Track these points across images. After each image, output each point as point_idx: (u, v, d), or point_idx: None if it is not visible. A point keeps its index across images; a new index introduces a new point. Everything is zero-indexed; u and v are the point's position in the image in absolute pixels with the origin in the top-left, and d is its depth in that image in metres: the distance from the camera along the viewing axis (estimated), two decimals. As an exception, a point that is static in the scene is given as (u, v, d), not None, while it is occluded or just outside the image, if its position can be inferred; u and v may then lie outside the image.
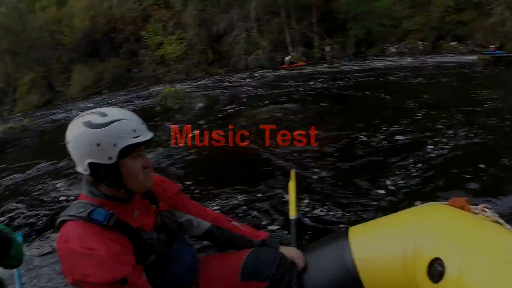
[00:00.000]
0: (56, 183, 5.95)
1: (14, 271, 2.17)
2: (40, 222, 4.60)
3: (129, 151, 1.23)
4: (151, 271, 1.33)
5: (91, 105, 15.25)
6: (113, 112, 1.25)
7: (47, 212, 4.84)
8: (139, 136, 1.24)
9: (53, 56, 23.03)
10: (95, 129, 1.20)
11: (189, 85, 14.15)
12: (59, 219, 1.30)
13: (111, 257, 1.18)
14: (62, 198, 5.30)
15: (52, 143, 10.11)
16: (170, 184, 1.59)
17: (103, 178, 1.26)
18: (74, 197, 5.05)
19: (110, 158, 1.22)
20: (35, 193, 5.79)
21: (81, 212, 1.24)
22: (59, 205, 5.02)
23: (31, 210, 5.10)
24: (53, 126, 13.07)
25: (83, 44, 21.90)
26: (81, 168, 1.27)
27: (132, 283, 1.20)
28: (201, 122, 7.94)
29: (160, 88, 13.59)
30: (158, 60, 21.35)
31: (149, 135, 1.27)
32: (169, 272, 1.41)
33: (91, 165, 1.23)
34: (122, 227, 1.27)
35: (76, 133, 1.23)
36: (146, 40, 21.57)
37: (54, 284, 3.39)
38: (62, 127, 12.36)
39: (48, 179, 6.35)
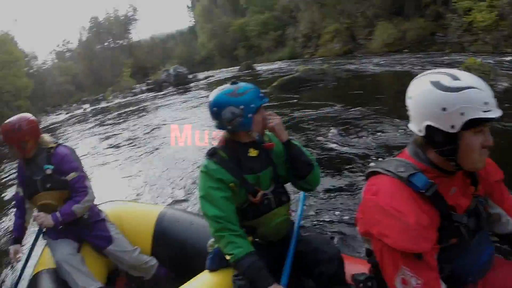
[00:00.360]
0: (339, 129, 6.47)
1: (300, 193, 2.36)
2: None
3: (474, 124, 1.12)
4: (444, 255, 1.23)
5: (390, 61, 15.22)
6: (466, 78, 1.14)
7: (326, 155, 5.50)
8: (490, 110, 1.11)
9: (358, 10, 23.74)
10: (445, 91, 1.13)
11: (493, 60, 12.70)
12: (373, 169, 1.32)
13: (418, 228, 1.12)
14: (333, 146, 5.81)
15: (346, 90, 10.68)
16: (495, 168, 1.43)
17: (437, 145, 1.20)
18: (332, 149, 5.64)
19: (453, 127, 1.13)
20: (316, 133, 6.64)
21: (401, 172, 1.21)
22: (333, 152, 5.53)
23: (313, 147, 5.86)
24: (348, 75, 13.52)
25: (388, 0, 22.11)
26: (416, 127, 1.23)
27: (425, 261, 1.14)
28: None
29: (462, 57, 12.56)
30: (465, 27, 19.70)
31: (499, 112, 1.12)
32: (460, 262, 1.29)
33: (428, 128, 1.17)
34: (437, 200, 1.20)
35: (422, 90, 1.18)
36: (454, 4, 20.14)
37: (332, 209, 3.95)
38: (357, 77, 13.08)
39: (328, 124, 6.92)
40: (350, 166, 4.90)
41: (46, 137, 2.71)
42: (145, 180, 6.25)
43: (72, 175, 2.56)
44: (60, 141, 2.85)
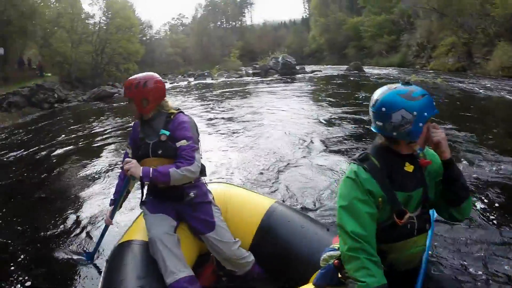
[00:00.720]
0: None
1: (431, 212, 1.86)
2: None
3: None
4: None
5: (505, 87, 13.79)
6: None
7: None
8: None
9: (479, 25, 21.81)
10: None
11: None
12: None
13: None
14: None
15: (455, 110, 9.91)
16: None
17: None
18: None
19: None
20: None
21: None
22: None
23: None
24: (459, 94, 12.70)
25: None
26: None
27: None
28: None
29: None
30: None
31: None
32: None
33: None
34: None
35: None
36: None
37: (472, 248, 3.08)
38: (469, 98, 11.95)
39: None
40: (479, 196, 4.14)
41: (169, 102, 2.59)
42: (246, 164, 5.94)
43: (182, 142, 2.37)
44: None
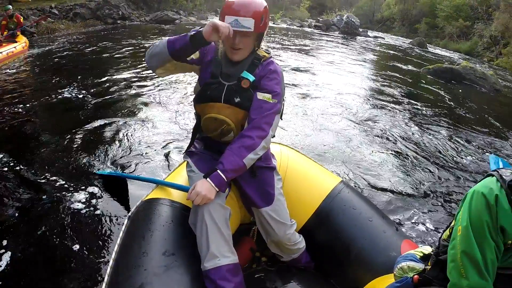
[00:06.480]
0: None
1: None
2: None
3: None
4: None
5: None
6: None
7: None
8: None
9: None
10: None
11: None
12: None
13: None
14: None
15: (495, 107, 9.58)
16: None
17: None
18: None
19: None
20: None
21: None
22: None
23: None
24: (509, 92, 12.53)
25: None
26: None
27: None
28: None
29: None
30: None
31: None
32: None
33: None
34: None
35: None
36: None
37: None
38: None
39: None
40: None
41: (263, 43, 2.04)
42: (306, 127, 5.49)
43: (267, 97, 1.89)
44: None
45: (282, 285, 2.20)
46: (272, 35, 19.44)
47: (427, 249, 1.71)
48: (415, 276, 1.54)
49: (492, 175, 1.32)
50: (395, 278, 1.66)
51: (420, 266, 1.60)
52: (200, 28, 1.73)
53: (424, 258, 1.66)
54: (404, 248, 1.94)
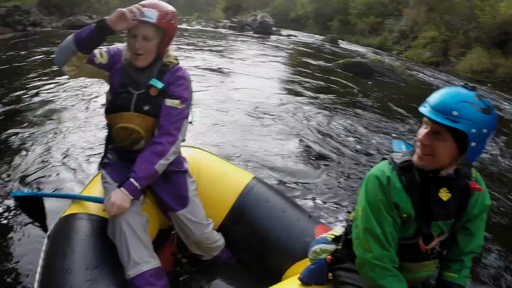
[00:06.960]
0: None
1: None
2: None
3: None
4: None
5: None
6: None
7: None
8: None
9: (463, 27, 22.17)
10: None
11: None
12: None
13: None
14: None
15: (402, 95, 10.27)
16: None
17: None
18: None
19: None
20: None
21: None
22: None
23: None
24: (416, 82, 13.19)
25: (497, 30, 20.47)
26: None
27: None
28: None
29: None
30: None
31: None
32: None
33: None
34: None
35: None
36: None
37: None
38: (423, 89, 11.96)
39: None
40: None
41: (171, 49, 2.03)
42: (218, 127, 5.53)
43: (175, 103, 1.91)
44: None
45: (207, 283, 2.34)
46: (186, 37, 19.06)
47: (338, 231, 1.78)
48: (328, 256, 1.64)
49: (386, 159, 1.50)
50: (310, 261, 1.74)
51: (331, 247, 1.69)
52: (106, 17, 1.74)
53: (336, 239, 1.74)
54: (317, 233, 2.03)
